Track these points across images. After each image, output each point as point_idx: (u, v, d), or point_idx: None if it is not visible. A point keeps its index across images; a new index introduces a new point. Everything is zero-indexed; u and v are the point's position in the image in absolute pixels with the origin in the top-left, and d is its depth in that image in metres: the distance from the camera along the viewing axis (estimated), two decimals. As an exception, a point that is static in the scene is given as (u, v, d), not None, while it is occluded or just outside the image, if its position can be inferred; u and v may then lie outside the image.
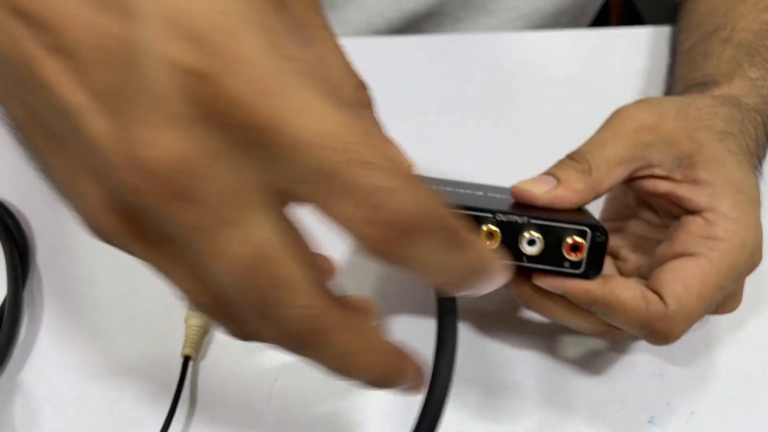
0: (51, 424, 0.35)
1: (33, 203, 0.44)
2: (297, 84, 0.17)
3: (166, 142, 0.17)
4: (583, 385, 0.37)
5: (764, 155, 0.39)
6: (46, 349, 0.37)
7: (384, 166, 0.17)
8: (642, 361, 0.38)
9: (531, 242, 0.31)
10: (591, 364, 0.37)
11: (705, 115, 0.35)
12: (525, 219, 0.31)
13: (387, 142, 0.24)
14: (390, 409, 0.36)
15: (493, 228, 0.31)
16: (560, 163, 0.34)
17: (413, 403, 0.36)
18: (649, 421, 0.35)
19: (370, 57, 0.54)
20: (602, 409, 0.36)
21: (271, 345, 0.20)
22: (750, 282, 0.41)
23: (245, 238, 0.18)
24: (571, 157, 0.33)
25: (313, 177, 0.17)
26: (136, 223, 0.19)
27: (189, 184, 0.17)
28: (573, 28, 0.64)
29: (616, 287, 0.31)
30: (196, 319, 0.37)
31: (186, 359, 0.36)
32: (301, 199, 0.18)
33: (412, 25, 0.61)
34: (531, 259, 0.31)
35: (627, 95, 0.52)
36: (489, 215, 0.31)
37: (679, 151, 0.33)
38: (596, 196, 0.33)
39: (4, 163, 0.46)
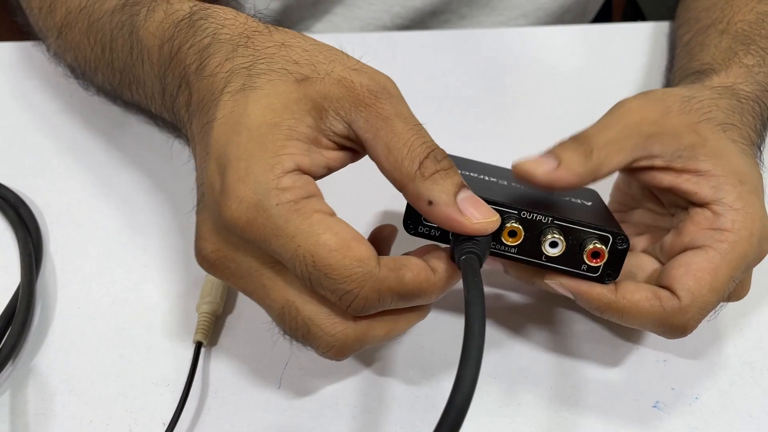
0: (65, 409, 0.35)
1: (46, 194, 0.44)
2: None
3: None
4: (588, 370, 0.37)
5: (763, 144, 0.39)
6: (60, 335, 0.38)
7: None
8: (647, 346, 0.38)
9: (553, 244, 0.31)
10: (596, 349, 0.38)
11: (706, 107, 0.36)
12: (549, 219, 0.31)
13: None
14: (400, 393, 0.36)
15: (517, 226, 0.31)
16: (563, 144, 0.34)
17: (423, 387, 0.36)
18: (654, 406, 0.36)
19: (378, 52, 0.55)
20: (607, 393, 0.36)
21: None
22: (754, 271, 0.41)
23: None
24: (574, 139, 0.34)
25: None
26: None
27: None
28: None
29: (628, 291, 0.32)
30: (207, 306, 0.37)
31: (198, 345, 0.36)
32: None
33: (418, 21, 0.62)
34: (550, 259, 0.31)
35: (629, 90, 0.52)
36: (513, 212, 0.31)
37: (682, 144, 0.34)
38: (594, 180, 0.33)
39: (18, 155, 0.47)
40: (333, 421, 0.35)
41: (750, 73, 0.40)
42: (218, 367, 0.37)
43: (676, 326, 0.32)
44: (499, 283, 0.41)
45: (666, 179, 0.34)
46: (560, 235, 0.31)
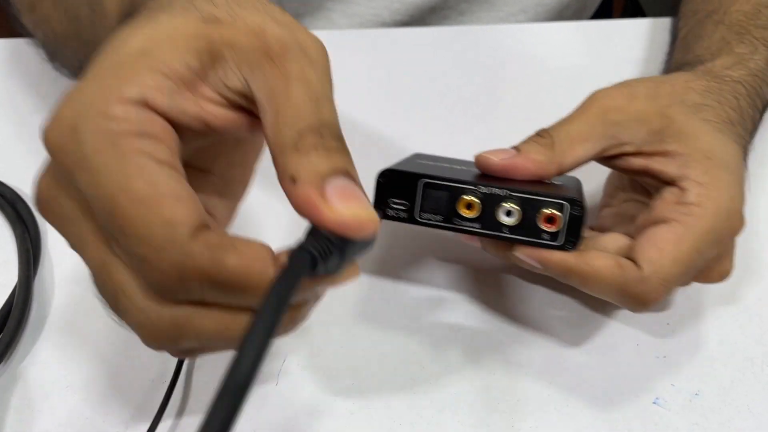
0: (62, 405, 0.35)
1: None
2: None
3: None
4: (587, 366, 0.37)
5: (753, 126, 0.39)
6: (57, 331, 0.38)
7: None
8: (646, 342, 0.38)
9: (508, 213, 0.32)
10: (595, 345, 0.38)
11: (679, 90, 0.36)
12: (505, 192, 0.32)
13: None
14: (397, 390, 0.36)
15: (473, 199, 0.32)
16: (528, 138, 0.35)
17: (421, 384, 0.36)
18: (654, 402, 0.36)
19: (377, 48, 0.55)
20: (607, 390, 0.36)
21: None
22: (753, 266, 0.41)
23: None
24: (537, 133, 0.35)
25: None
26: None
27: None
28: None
29: (590, 257, 0.32)
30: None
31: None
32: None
33: (417, 18, 0.62)
34: (510, 230, 0.32)
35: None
36: (472, 187, 0.32)
37: (650, 129, 0.34)
38: (560, 171, 0.33)
39: (15, 151, 0.47)
40: (330, 418, 0.35)
41: (740, 60, 0.41)
42: (215, 365, 0.37)
43: (636, 296, 0.32)
44: (495, 285, 0.40)
45: (637, 162, 0.34)
46: (516, 205, 0.32)
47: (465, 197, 0.32)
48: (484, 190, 0.32)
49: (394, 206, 0.33)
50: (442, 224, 0.33)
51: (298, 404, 0.35)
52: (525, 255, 0.33)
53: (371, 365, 0.37)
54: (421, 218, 0.33)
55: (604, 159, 0.35)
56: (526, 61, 0.54)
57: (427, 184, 0.32)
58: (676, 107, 0.35)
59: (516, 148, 0.34)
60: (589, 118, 0.34)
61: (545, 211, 0.32)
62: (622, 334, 0.38)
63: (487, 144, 0.47)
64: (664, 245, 0.32)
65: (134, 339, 0.37)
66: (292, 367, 0.37)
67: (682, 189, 0.33)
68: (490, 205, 0.32)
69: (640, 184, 0.37)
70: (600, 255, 0.32)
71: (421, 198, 0.32)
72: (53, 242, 0.42)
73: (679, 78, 0.37)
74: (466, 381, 0.36)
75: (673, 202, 0.33)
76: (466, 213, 0.32)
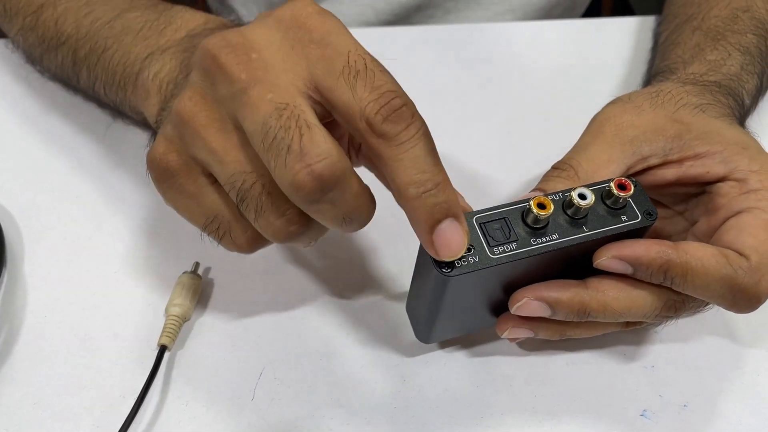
0: (28, 424, 0.34)
1: (14, 198, 0.43)
2: None
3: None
4: (574, 377, 0.36)
5: (745, 119, 0.39)
6: (25, 345, 0.36)
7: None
8: (634, 352, 0.37)
9: (582, 196, 0.29)
10: (582, 356, 0.37)
11: (677, 96, 0.35)
12: (570, 189, 0.30)
13: None
14: (378, 404, 0.35)
15: (544, 198, 0.29)
16: (546, 176, 0.33)
17: (403, 397, 0.35)
18: (642, 415, 0.35)
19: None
20: (594, 402, 0.35)
21: (294, 201, 0.27)
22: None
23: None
24: (555, 167, 0.33)
25: None
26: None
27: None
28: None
29: (690, 247, 0.30)
30: (177, 309, 0.36)
31: (162, 349, 0.35)
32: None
33: (402, 17, 0.61)
34: (588, 225, 0.30)
35: (617, 83, 0.51)
36: (539, 193, 0.31)
37: (667, 136, 0.33)
38: None
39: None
40: (309, 433, 0.34)
41: (712, 68, 0.40)
42: (189, 378, 0.35)
43: (747, 288, 0.29)
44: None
45: (669, 173, 0.33)
46: (587, 189, 0.30)
47: (535, 198, 0.29)
48: (552, 195, 0.30)
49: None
50: (520, 252, 0.29)
51: (275, 420, 0.34)
52: (614, 260, 0.30)
53: (351, 378, 0.36)
54: (494, 254, 0.29)
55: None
56: (513, 59, 0.53)
57: (478, 219, 0.30)
58: (683, 111, 0.34)
59: (539, 189, 0.32)
60: (605, 140, 0.33)
61: (613, 184, 0.30)
62: (609, 344, 0.37)
63: (475, 143, 0.46)
64: (757, 232, 0.30)
65: (106, 352, 0.35)
66: (269, 381, 0.35)
67: (737, 180, 0.32)
68: (561, 203, 0.30)
69: (654, 199, 0.36)
70: (699, 245, 0.30)
71: (484, 233, 0.29)
72: (21, 251, 0.40)
73: (668, 86, 0.37)
74: (449, 394, 0.35)
75: (738, 194, 0.31)
76: (540, 212, 0.29)
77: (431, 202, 0.26)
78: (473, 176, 0.45)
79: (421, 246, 0.29)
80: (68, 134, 0.46)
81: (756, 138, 0.34)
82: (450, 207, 0.27)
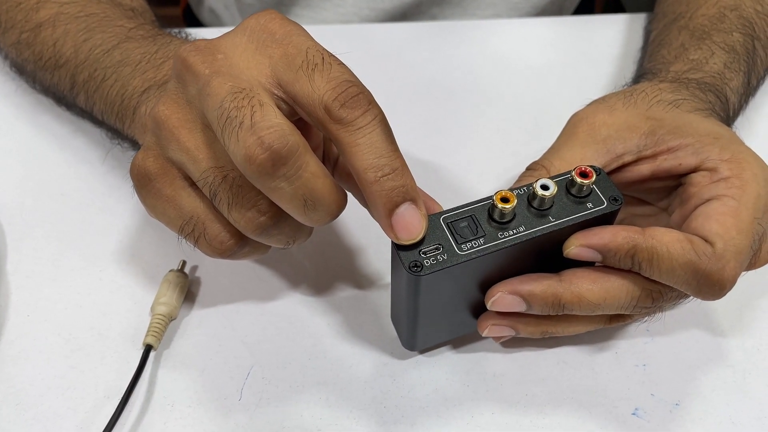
0: (10, 425, 0.33)
1: (0, 197, 0.42)
2: None
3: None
4: (565, 377, 0.36)
5: (725, 117, 0.38)
6: (8, 344, 0.36)
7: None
8: (625, 350, 0.37)
9: (544, 187, 0.30)
10: (573, 355, 0.36)
11: (650, 93, 0.36)
12: (534, 181, 0.30)
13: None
14: (367, 404, 0.34)
15: (507, 192, 0.29)
16: (520, 177, 0.34)
17: (392, 398, 0.35)
18: (633, 413, 0.34)
19: (353, 43, 0.53)
20: (585, 401, 0.35)
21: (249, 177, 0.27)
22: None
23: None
24: (529, 168, 0.34)
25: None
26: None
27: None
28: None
29: (657, 232, 0.30)
30: (163, 308, 0.36)
31: (147, 348, 0.34)
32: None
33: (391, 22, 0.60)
34: (553, 214, 0.30)
35: (606, 81, 0.51)
36: (507, 189, 0.30)
37: (640, 133, 0.33)
38: None
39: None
40: (297, 433, 0.33)
41: (694, 66, 0.40)
42: (175, 378, 0.35)
43: (711, 274, 0.29)
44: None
45: (644, 169, 0.34)
46: (548, 180, 0.30)
47: (498, 192, 0.29)
48: (515, 188, 0.30)
49: (429, 254, 0.29)
50: (488, 246, 0.29)
51: (262, 421, 0.34)
52: (582, 248, 0.30)
53: (340, 378, 0.35)
54: (462, 251, 0.29)
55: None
56: (504, 56, 0.53)
57: (446, 218, 0.30)
58: (656, 107, 0.35)
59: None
60: (578, 140, 0.33)
61: (574, 172, 0.30)
62: (600, 342, 0.37)
63: (466, 139, 0.46)
64: (723, 219, 0.30)
65: (90, 352, 0.35)
66: (257, 381, 0.35)
67: (710, 170, 0.32)
68: (524, 196, 0.30)
69: (637, 199, 0.36)
70: (666, 230, 0.30)
71: (452, 231, 0.30)
72: (4, 248, 0.40)
73: (645, 85, 0.37)
74: (439, 394, 0.35)
75: (709, 182, 0.32)
76: (503, 206, 0.29)
77: (389, 186, 0.27)
78: (463, 174, 0.45)
79: (392, 250, 0.30)
80: (53, 132, 0.46)
81: (731, 131, 0.34)
82: (408, 191, 0.27)
